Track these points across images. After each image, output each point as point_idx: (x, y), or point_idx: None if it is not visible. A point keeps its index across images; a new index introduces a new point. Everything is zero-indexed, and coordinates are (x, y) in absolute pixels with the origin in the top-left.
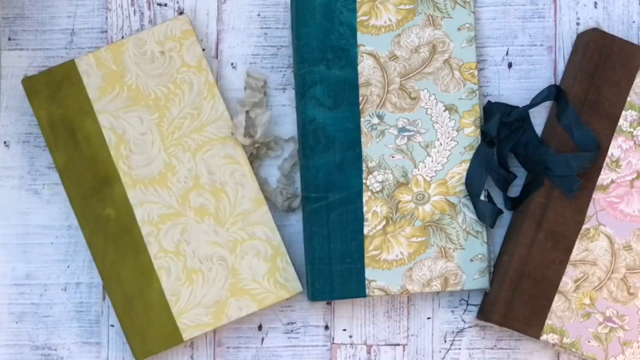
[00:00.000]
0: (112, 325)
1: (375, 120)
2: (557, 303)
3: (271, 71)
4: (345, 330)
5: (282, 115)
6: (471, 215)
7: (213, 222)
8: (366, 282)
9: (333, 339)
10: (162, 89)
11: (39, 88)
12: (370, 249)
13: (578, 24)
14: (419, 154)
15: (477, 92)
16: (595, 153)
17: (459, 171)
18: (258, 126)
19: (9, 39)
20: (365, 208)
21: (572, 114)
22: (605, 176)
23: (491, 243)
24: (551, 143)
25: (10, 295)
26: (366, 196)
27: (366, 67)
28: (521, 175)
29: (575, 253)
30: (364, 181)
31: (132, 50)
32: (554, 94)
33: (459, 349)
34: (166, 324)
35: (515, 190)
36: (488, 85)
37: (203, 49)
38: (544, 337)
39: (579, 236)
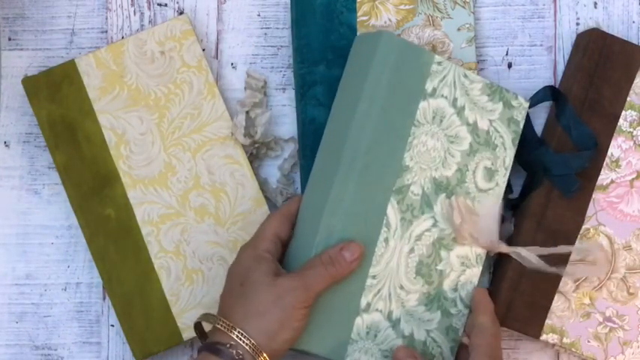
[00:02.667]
0: (112, 325)
1: None
2: (557, 303)
3: (271, 71)
4: None
5: (282, 115)
6: None
7: (213, 222)
8: None
9: None
10: (162, 89)
11: (39, 88)
12: None
13: (578, 24)
14: None
15: None
16: (592, 151)
17: None
18: (258, 126)
19: (9, 39)
20: None
21: (571, 113)
22: (604, 176)
23: None
24: (551, 143)
25: (10, 295)
26: None
27: None
28: (521, 175)
29: (575, 253)
30: None
31: (132, 50)
32: (550, 95)
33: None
34: (166, 324)
35: (515, 190)
36: (492, 82)
37: (203, 49)
38: (544, 337)
39: (579, 236)
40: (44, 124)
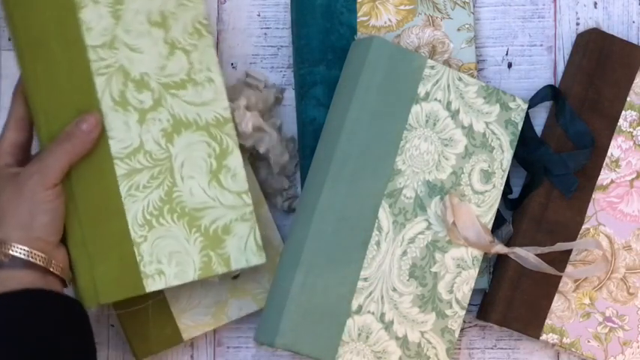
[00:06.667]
0: (112, 325)
1: None
2: (557, 303)
3: (271, 71)
4: None
5: (283, 115)
6: None
7: None
8: None
9: None
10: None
11: None
12: None
13: (578, 24)
14: None
15: None
16: (590, 149)
17: None
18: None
19: (9, 39)
20: None
21: (569, 112)
22: (604, 176)
23: None
24: (551, 143)
25: None
26: None
27: None
28: (521, 175)
29: (575, 253)
30: None
31: None
32: (550, 94)
33: (459, 348)
34: (166, 324)
35: (515, 190)
36: (489, 85)
37: None
38: (544, 337)
39: (579, 236)
40: None
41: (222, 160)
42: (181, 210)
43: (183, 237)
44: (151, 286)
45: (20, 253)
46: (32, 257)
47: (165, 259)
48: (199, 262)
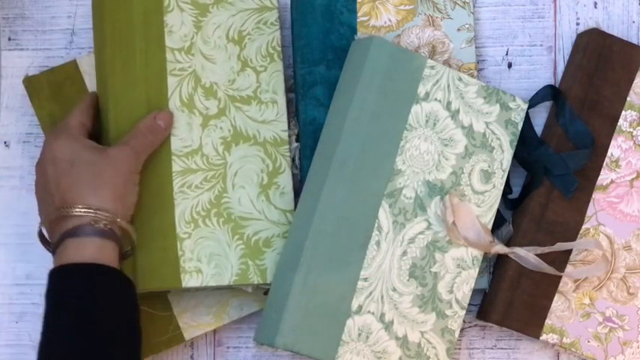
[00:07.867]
0: None
1: None
2: (557, 303)
3: None
4: None
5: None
6: None
7: None
8: None
9: None
10: None
11: (40, 87)
12: None
13: (578, 24)
14: None
15: None
16: (590, 149)
17: None
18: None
19: (9, 39)
20: None
21: (569, 112)
22: (604, 176)
23: None
24: (551, 143)
25: (10, 295)
26: None
27: None
28: (521, 175)
29: (575, 253)
30: None
31: None
32: (550, 94)
33: (459, 348)
34: (168, 324)
35: (515, 190)
36: (489, 85)
37: None
38: (544, 336)
39: (579, 236)
40: (46, 124)
41: (273, 177)
42: (228, 216)
43: (226, 241)
44: (188, 282)
45: (114, 225)
46: (119, 232)
47: (205, 259)
48: (237, 269)
